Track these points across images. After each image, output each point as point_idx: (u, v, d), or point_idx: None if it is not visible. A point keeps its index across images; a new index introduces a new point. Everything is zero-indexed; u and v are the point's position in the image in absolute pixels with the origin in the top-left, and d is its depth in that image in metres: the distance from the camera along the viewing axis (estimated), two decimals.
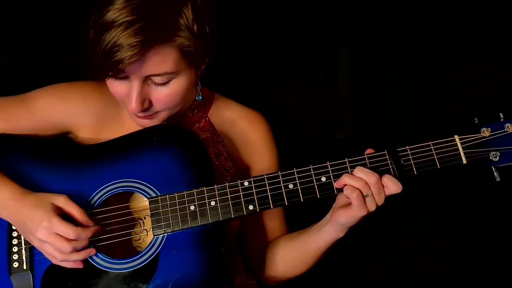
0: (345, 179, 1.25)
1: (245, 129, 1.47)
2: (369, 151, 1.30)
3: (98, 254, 1.29)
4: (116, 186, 1.32)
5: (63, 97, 1.41)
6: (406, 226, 1.69)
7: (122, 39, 1.16)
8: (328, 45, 1.75)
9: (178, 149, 1.32)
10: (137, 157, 1.33)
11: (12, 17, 1.68)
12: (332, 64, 1.77)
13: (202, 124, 1.44)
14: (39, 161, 1.35)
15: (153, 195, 1.31)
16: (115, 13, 1.17)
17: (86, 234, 1.25)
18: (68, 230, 1.23)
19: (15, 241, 1.31)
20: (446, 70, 1.71)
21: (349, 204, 1.26)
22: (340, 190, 1.27)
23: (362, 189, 1.23)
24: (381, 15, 1.73)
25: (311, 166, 1.29)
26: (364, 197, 1.24)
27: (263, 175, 1.30)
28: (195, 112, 1.44)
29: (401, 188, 1.24)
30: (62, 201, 1.27)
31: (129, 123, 1.42)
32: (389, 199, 1.26)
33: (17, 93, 1.44)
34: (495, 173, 1.28)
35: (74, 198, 1.30)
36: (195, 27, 1.22)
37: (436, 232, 1.69)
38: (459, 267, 1.67)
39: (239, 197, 1.29)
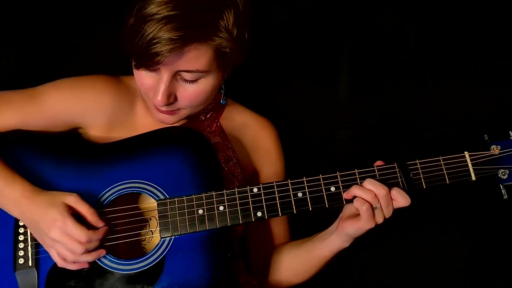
0: (355, 190, 1.23)
1: (255, 135, 1.46)
2: (378, 163, 1.28)
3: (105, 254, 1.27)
4: (125, 187, 1.30)
5: (75, 94, 1.37)
6: (413, 238, 1.68)
7: (163, 33, 1.16)
8: (328, 45, 1.73)
9: (188, 152, 1.30)
10: (147, 159, 1.31)
11: (12, 17, 1.64)
12: (332, 64, 1.74)
13: (213, 128, 1.42)
14: (50, 159, 1.32)
15: (162, 197, 1.28)
16: (159, 6, 1.17)
17: (97, 236, 1.23)
18: (80, 233, 1.21)
19: (21, 237, 1.29)
20: (446, 73, 1.71)
21: (357, 215, 1.25)
22: (349, 201, 1.26)
23: (372, 201, 1.22)
24: (381, 14, 1.70)
25: (320, 176, 1.27)
26: (373, 209, 1.22)
27: (273, 183, 1.28)
28: (207, 116, 1.42)
29: (410, 201, 1.23)
30: (73, 200, 1.24)
31: (141, 121, 1.39)
32: (397, 211, 1.25)
33: None
34: (502, 190, 1.27)
35: (83, 197, 1.27)
36: (235, 31, 1.22)
37: (443, 246, 1.68)
38: (465, 280, 1.67)
39: (248, 203, 1.27)
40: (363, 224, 1.23)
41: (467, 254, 1.67)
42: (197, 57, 1.21)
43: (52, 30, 1.64)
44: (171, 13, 1.16)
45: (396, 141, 1.71)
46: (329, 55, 1.73)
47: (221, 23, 1.21)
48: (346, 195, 1.25)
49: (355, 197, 1.24)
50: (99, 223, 1.25)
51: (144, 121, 1.39)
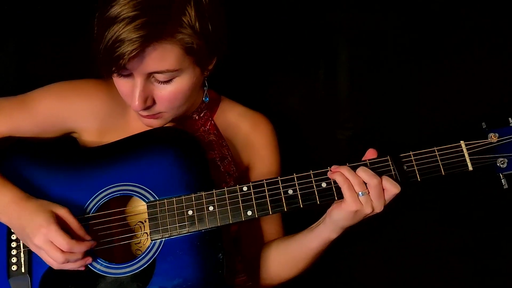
0: (343, 169, 1.12)
1: (249, 132, 1.34)
2: (371, 151, 1.16)
3: (97, 258, 1.17)
4: (115, 190, 1.20)
5: (66, 99, 1.28)
6: (405, 230, 1.55)
7: (124, 34, 1.06)
8: (328, 45, 1.62)
9: (177, 152, 1.20)
10: (136, 161, 1.21)
11: (12, 17, 1.54)
12: (332, 63, 1.63)
13: (207, 127, 1.31)
14: (40, 164, 1.24)
15: (152, 199, 1.18)
16: (118, 8, 1.07)
17: (80, 248, 1.12)
18: (62, 241, 1.11)
19: (13, 244, 1.20)
20: (449, 70, 1.56)
21: None
22: (341, 196, 1.12)
23: (355, 183, 1.10)
24: (381, 14, 1.58)
25: (311, 172, 1.15)
26: (356, 192, 1.10)
27: (262, 180, 1.16)
28: (201, 115, 1.31)
29: (400, 188, 1.11)
30: (63, 213, 1.15)
31: (134, 124, 1.29)
32: (390, 204, 1.12)
33: (18, 93, 1.30)
34: (502, 180, 1.13)
35: (73, 201, 1.19)
36: (197, 25, 1.11)
37: (438, 238, 1.54)
38: (460, 272, 1.53)
39: (237, 202, 1.15)
40: (347, 205, 1.11)
41: (464, 245, 1.53)
42: (163, 56, 1.10)
43: (43, 34, 1.54)
44: (131, 13, 1.06)
45: (396, 141, 1.57)
46: (329, 54, 1.62)
47: (184, 19, 1.10)
48: (330, 174, 1.13)
49: None
50: (86, 237, 1.15)
51: (137, 123, 1.28)
